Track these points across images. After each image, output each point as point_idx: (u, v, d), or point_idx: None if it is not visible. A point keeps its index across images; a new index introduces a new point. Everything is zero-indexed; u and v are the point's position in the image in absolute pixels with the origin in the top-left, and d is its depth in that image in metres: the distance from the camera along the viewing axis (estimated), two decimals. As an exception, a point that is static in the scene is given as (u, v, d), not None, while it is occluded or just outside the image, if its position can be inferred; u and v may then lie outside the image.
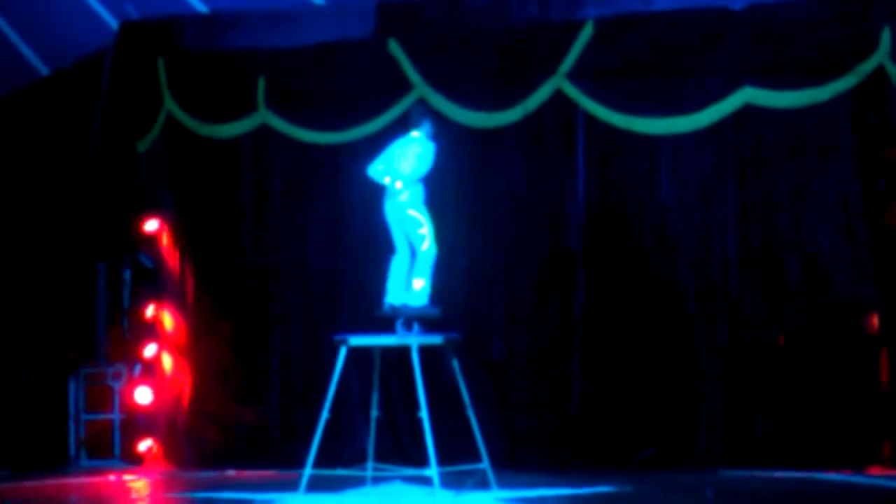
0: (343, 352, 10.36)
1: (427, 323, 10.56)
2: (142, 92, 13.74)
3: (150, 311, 13.72)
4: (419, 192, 10.51)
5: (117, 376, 13.75)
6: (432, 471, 10.04)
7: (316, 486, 10.45)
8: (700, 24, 12.31)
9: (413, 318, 10.46)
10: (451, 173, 12.49)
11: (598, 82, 12.52)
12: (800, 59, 12.03)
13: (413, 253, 10.62)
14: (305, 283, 13.32)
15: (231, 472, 12.83)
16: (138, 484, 12.57)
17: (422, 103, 12.08)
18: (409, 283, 10.63)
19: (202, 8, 13.91)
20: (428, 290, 10.52)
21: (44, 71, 14.68)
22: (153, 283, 13.75)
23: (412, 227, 10.48)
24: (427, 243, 10.48)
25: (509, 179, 12.84)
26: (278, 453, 12.91)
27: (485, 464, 10.52)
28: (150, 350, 13.67)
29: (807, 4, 12.04)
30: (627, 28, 12.48)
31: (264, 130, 13.40)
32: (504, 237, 12.80)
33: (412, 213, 10.45)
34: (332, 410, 10.40)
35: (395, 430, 12.45)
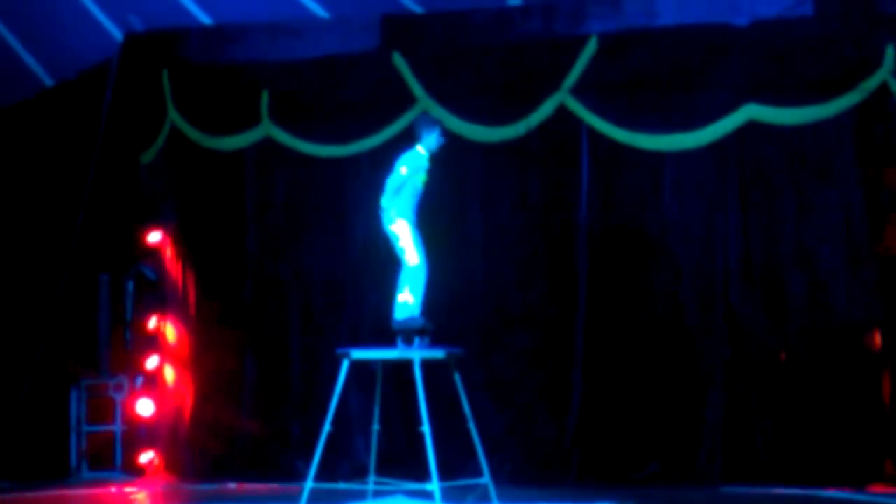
0: (345, 365, 10.34)
1: (430, 337, 10.54)
2: (146, 103, 13.76)
3: (152, 322, 13.73)
4: (405, 206, 10.43)
5: (119, 388, 13.74)
6: (434, 485, 10.01)
7: (317, 499, 10.43)
8: (704, 40, 12.31)
9: (395, 331, 10.44)
10: (454, 187, 12.52)
11: (601, 97, 12.52)
12: (803, 75, 12.03)
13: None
14: (307, 295, 13.32)
15: (232, 485, 12.83)
16: (139, 496, 12.57)
17: (427, 115, 12.00)
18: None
19: (207, 20, 13.94)
20: (415, 304, 10.45)
21: (48, 82, 14.70)
22: (156, 295, 13.76)
23: (393, 242, 10.46)
24: (410, 257, 10.43)
25: (512, 194, 12.84)
26: (280, 466, 12.91)
27: (486, 478, 10.51)
28: (152, 362, 13.68)
29: (811, 21, 12.04)
30: (631, 43, 12.48)
31: (268, 143, 13.40)
32: (506, 251, 12.80)
33: (392, 228, 10.42)
34: (333, 423, 10.39)
35: (396, 444, 12.44)
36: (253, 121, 13.39)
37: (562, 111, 12.61)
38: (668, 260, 12.46)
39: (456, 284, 12.22)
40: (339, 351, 10.48)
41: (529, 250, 12.74)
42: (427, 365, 10.34)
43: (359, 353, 10.45)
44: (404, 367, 10.40)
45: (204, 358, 13.50)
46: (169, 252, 13.73)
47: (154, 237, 13.75)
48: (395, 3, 13.45)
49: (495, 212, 12.83)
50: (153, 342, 13.73)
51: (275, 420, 13.24)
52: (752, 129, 12.22)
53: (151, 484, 13.18)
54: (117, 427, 13.77)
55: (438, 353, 10.38)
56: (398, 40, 13.09)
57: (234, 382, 13.36)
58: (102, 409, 13.79)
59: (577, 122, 12.60)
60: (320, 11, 13.70)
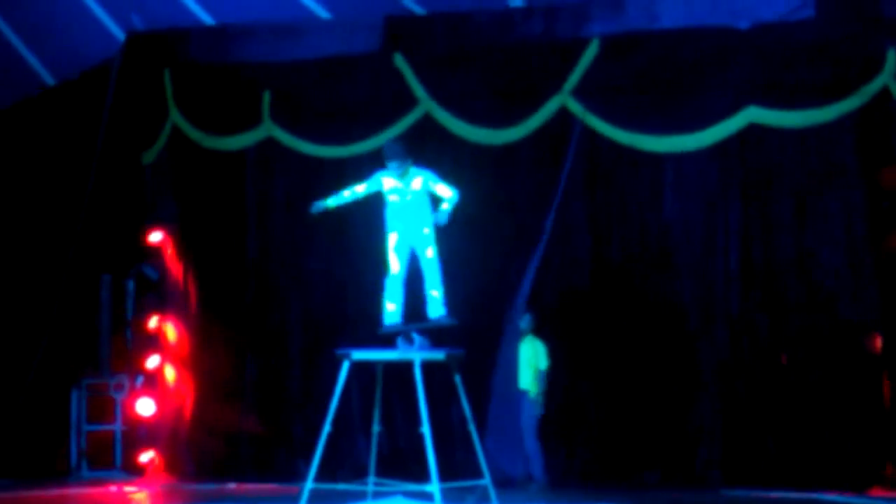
0: (346, 366, 10.33)
1: (431, 338, 10.53)
2: (148, 103, 13.76)
3: (153, 322, 13.74)
4: (387, 219, 10.54)
5: (119, 387, 13.74)
6: (433, 486, 9.99)
7: (317, 499, 10.43)
8: (706, 42, 12.32)
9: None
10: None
11: (603, 99, 12.53)
12: (805, 79, 12.03)
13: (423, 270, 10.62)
14: (308, 295, 13.33)
15: (232, 485, 12.83)
16: (139, 495, 12.57)
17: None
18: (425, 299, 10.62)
19: (209, 20, 13.93)
20: (396, 311, 10.49)
21: (50, 81, 14.70)
22: (157, 295, 13.77)
23: None
24: (390, 265, 10.51)
25: (513, 194, 12.85)
26: (279, 466, 12.92)
27: (486, 480, 10.49)
28: (152, 361, 13.68)
29: (812, 25, 12.04)
30: (633, 46, 12.49)
31: (269, 143, 13.42)
32: (506, 253, 12.79)
33: None
34: (333, 424, 10.38)
35: (396, 445, 12.44)
36: (254, 121, 13.40)
37: (563, 113, 12.61)
38: (668, 261, 12.46)
39: (455, 285, 12.17)
40: (340, 352, 10.47)
41: (529, 250, 12.72)
42: (427, 367, 10.32)
43: (359, 354, 10.42)
44: (405, 367, 10.39)
45: (204, 358, 13.51)
46: (170, 252, 13.74)
47: (155, 237, 13.75)
48: (397, 5, 13.44)
49: (495, 212, 12.81)
50: (154, 342, 13.74)
51: (275, 420, 13.24)
52: (753, 131, 12.23)
53: (151, 483, 13.18)
54: (118, 426, 13.78)
55: (438, 355, 10.37)
56: (400, 41, 13.09)
57: (235, 382, 13.37)
58: (103, 408, 13.80)
59: (579, 124, 12.58)
60: (322, 12, 13.69)
